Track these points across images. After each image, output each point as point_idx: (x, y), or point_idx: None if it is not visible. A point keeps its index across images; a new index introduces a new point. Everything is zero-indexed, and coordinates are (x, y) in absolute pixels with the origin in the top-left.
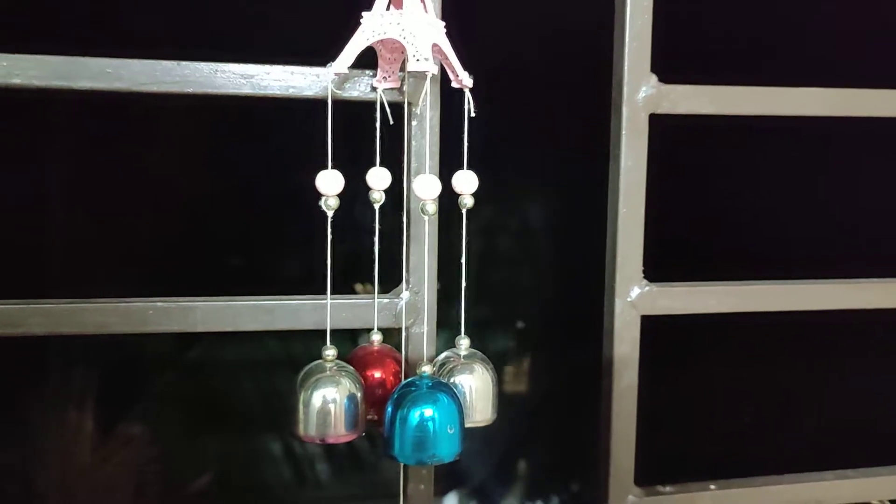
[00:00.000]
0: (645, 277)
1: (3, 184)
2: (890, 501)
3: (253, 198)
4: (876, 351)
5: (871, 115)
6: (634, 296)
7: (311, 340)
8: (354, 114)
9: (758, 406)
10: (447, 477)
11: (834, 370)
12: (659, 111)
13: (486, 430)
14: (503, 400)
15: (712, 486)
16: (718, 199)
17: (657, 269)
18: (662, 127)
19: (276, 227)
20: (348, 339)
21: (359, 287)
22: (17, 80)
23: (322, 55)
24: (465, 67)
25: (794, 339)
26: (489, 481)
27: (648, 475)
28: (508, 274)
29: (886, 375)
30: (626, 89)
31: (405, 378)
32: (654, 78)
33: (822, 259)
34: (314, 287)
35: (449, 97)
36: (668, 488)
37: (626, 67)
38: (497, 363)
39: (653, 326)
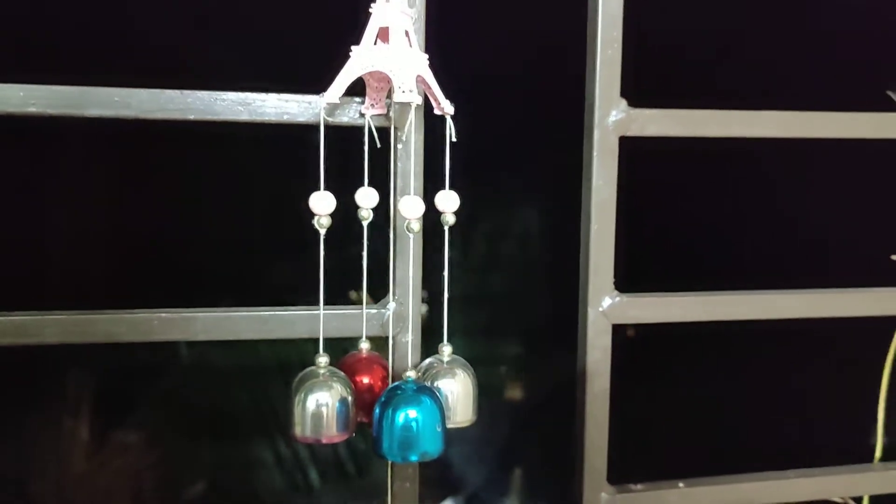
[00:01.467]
0: (616, 288)
1: (15, 202)
2: (852, 499)
3: (251, 216)
4: (832, 356)
5: (825, 137)
6: (606, 306)
7: (302, 348)
8: (344, 138)
9: (726, 409)
10: (442, 484)
11: (794, 375)
12: (629, 134)
13: (479, 437)
14: (498, 407)
15: (681, 485)
16: (687, 214)
17: (632, 280)
18: (633, 148)
19: (275, 242)
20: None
21: (353, 294)
22: (32, 109)
23: (314, 82)
24: (448, 94)
25: (757, 346)
26: (482, 487)
27: (623, 475)
28: (494, 284)
29: (845, 379)
30: (597, 113)
31: (392, 382)
32: (623, 102)
33: (780, 271)
34: (309, 297)
35: (432, 121)
36: (639, 486)
37: (597, 93)
38: (490, 370)
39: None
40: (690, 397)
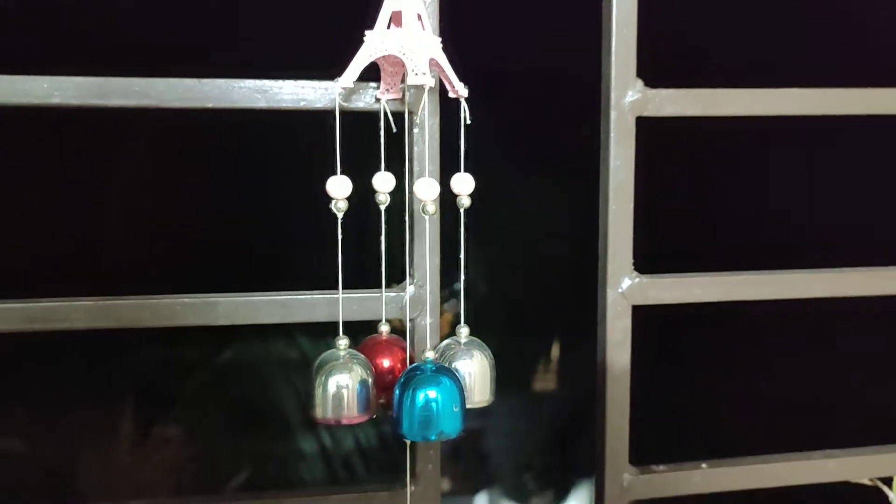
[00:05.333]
0: (636, 270)
1: (47, 191)
2: (880, 479)
3: (271, 202)
4: (859, 337)
5: (848, 114)
6: (625, 287)
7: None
8: (361, 122)
9: (749, 390)
10: (476, 476)
11: (820, 355)
12: (645, 114)
13: (512, 429)
14: (532, 399)
15: (703, 465)
16: (708, 195)
17: (653, 261)
18: (653, 128)
19: (295, 227)
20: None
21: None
22: (56, 100)
23: (329, 66)
24: (461, 77)
25: (781, 326)
26: (518, 479)
27: (647, 456)
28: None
29: (872, 360)
30: (613, 94)
31: (411, 364)
32: (639, 83)
33: (801, 251)
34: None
35: (447, 105)
36: (661, 467)
37: (613, 74)
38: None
39: (654, 317)
40: (714, 379)
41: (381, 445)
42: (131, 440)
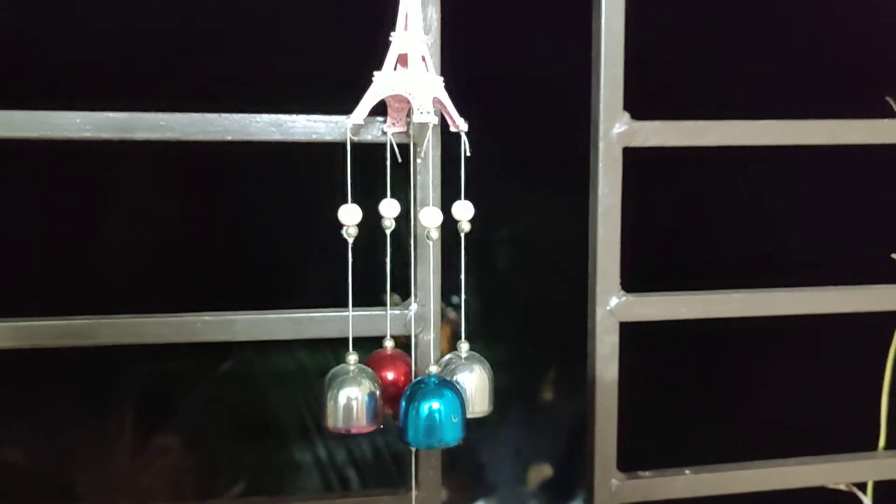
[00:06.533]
0: (623, 289)
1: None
2: (855, 485)
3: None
4: (837, 350)
5: (822, 144)
6: (613, 305)
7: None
8: (368, 153)
9: (732, 401)
10: (476, 486)
11: (795, 369)
12: (632, 144)
13: (512, 438)
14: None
15: (687, 472)
16: (692, 217)
17: (643, 280)
18: (639, 157)
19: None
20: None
21: (396, 298)
22: (88, 134)
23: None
24: (462, 111)
25: (761, 341)
26: (515, 486)
27: (633, 463)
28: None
29: (850, 373)
30: (601, 126)
31: (415, 377)
32: (626, 115)
33: (782, 271)
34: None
35: (448, 138)
36: (647, 473)
37: (601, 107)
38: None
39: (642, 333)
40: (700, 391)
41: (376, 456)
42: (130, 451)
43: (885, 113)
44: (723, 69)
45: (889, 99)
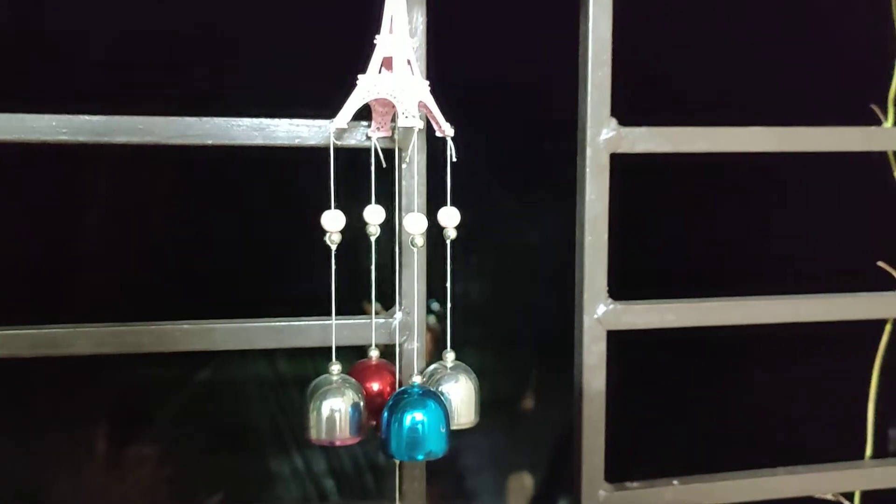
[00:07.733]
0: (611, 297)
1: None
2: (843, 495)
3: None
4: (825, 358)
5: (807, 151)
6: (600, 313)
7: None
8: (351, 159)
9: (718, 410)
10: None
11: (783, 376)
12: (619, 151)
13: (497, 447)
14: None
15: (675, 482)
16: (680, 226)
17: (632, 288)
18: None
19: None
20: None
21: (367, 307)
22: (64, 137)
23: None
24: (447, 116)
25: (748, 350)
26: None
27: (621, 474)
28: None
29: (838, 380)
30: (588, 132)
31: (399, 387)
32: (613, 121)
33: (768, 278)
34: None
35: (433, 143)
36: (635, 484)
37: (588, 114)
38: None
39: (630, 341)
40: (688, 400)
41: (355, 467)
42: (105, 461)
43: (870, 121)
44: (709, 76)
45: (874, 107)
